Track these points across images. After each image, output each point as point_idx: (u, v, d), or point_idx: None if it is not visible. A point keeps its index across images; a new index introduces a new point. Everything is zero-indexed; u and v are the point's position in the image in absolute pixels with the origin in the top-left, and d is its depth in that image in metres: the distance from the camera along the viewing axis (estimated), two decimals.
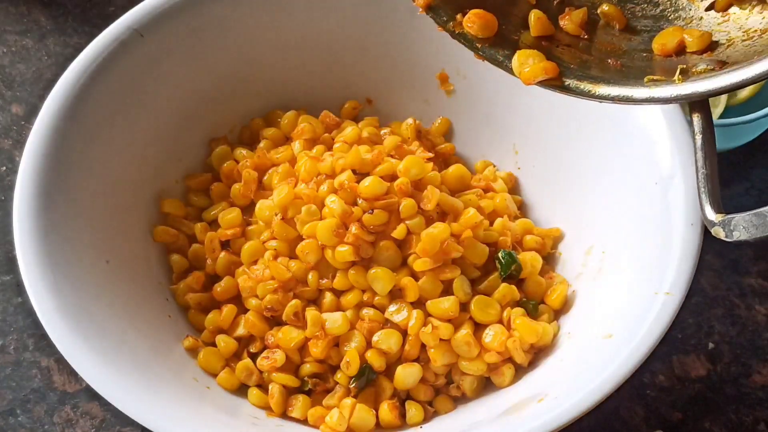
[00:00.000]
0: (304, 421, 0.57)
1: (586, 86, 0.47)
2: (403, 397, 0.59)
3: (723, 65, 0.43)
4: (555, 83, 0.48)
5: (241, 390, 0.59)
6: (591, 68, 0.48)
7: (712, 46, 0.46)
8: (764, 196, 0.74)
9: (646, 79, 0.45)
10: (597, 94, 0.46)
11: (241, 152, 0.67)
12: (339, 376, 0.58)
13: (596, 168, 0.63)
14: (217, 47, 0.66)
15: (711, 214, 0.45)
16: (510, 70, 0.49)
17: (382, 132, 0.67)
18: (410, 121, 0.68)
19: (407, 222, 0.58)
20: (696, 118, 0.46)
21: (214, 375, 0.59)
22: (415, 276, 0.58)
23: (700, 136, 0.46)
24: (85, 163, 0.59)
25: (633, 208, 0.59)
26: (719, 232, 0.44)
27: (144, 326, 0.58)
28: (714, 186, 0.46)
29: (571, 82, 0.47)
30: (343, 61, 0.70)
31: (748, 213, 0.43)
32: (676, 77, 0.44)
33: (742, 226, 0.43)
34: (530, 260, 0.61)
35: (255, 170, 0.64)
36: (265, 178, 0.64)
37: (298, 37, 0.68)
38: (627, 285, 0.56)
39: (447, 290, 0.58)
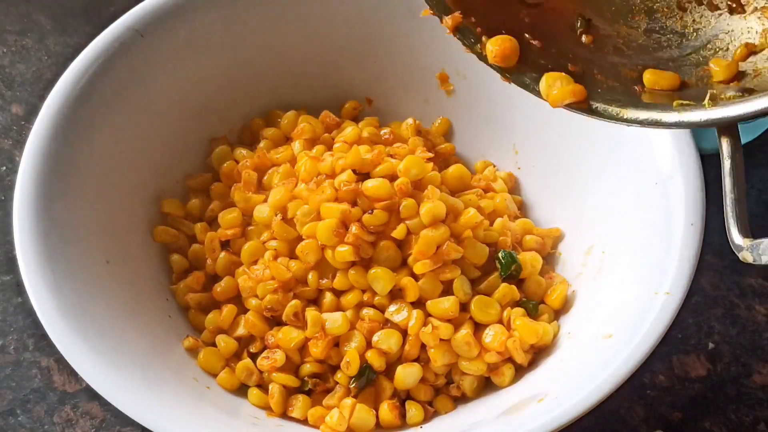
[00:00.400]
0: (304, 421, 0.57)
1: (614, 109, 0.47)
2: (403, 397, 0.59)
3: (751, 92, 0.43)
4: (582, 106, 0.48)
5: (241, 390, 0.59)
6: (618, 92, 0.48)
7: (738, 76, 0.46)
8: (764, 196, 0.74)
9: (675, 104, 0.45)
10: (625, 117, 0.46)
11: (241, 152, 0.67)
12: (339, 376, 0.58)
13: (596, 168, 0.63)
14: (217, 47, 0.66)
15: (738, 239, 0.44)
16: (537, 94, 0.49)
17: (382, 132, 0.67)
18: (410, 121, 0.68)
19: (407, 222, 0.58)
20: (725, 143, 0.46)
21: (214, 375, 0.59)
22: (415, 276, 0.58)
23: (729, 160, 0.46)
24: (85, 163, 0.59)
25: (633, 208, 0.59)
26: (747, 257, 0.44)
27: (144, 326, 0.58)
28: (742, 211, 0.45)
29: (598, 105, 0.47)
30: (343, 61, 0.70)
31: None
32: (705, 102, 0.44)
33: None
34: (530, 260, 0.61)
35: (255, 170, 0.64)
36: (265, 178, 0.64)
37: (298, 37, 0.68)
38: (627, 285, 0.56)
39: (447, 290, 0.58)
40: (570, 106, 0.48)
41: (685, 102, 0.45)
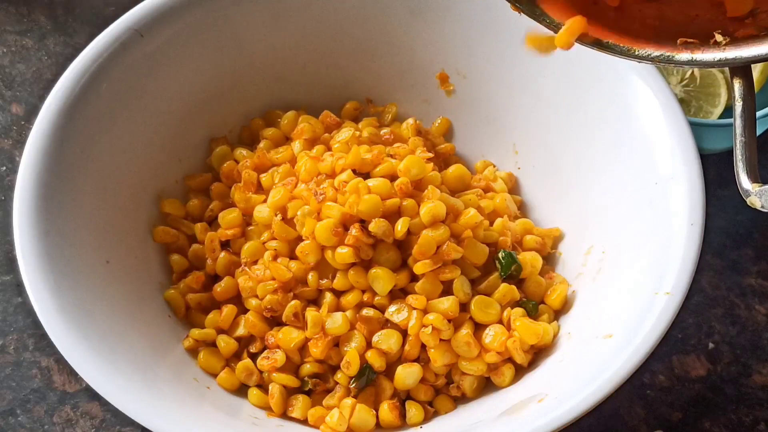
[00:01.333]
0: (304, 422, 0.57)
1: (625, 45, 0.46)
2: (403, 397, 0.59)
3: (765, 31, 0.43)
4: (591, 40, 0.47)
5: (241, 390, 0.59)
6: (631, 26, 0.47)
7: (753, 12, 0.45)
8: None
9: (678, 41, 0.45)
10: (637, 53, 0.46)
11: (241, 152, 0.67)
12: (339, 376, 0.58)
13: (596, 168, 0.63)
14: (217, 47, 0.66)
15: (747, 183, 0.44)
16: (547, 25, 0.48)
17: (382, 132, 0.67)
18: (410, 121, 0.68)
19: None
20: (737, 84, 0.45)
21: (214, 375, 0.59)
22: (416, 276, 0.58)
23: (741, 102, 0.45)
24: (85, 163, 0.59)
25: (633, 208, 0.59)
26: (755, 202, 0.43)
27: (144, 326, 0.58)
28: (752, 155, 0.45)
29: (609, 40, 0.47)
30: (343, 61, 0.70)
31: None
32: (721, 39, 0.43)
33: None
34: (530, 260, 0.61)
35: (255, 170, 0.64)
36: (265, 178, 0.64)
37: (298, 37, 0.68)
38: (627, 285, 0.56)
39: (447, 290, 0.58)
40: (582, 42, 0.47)
41: (689, 40, 0.44)
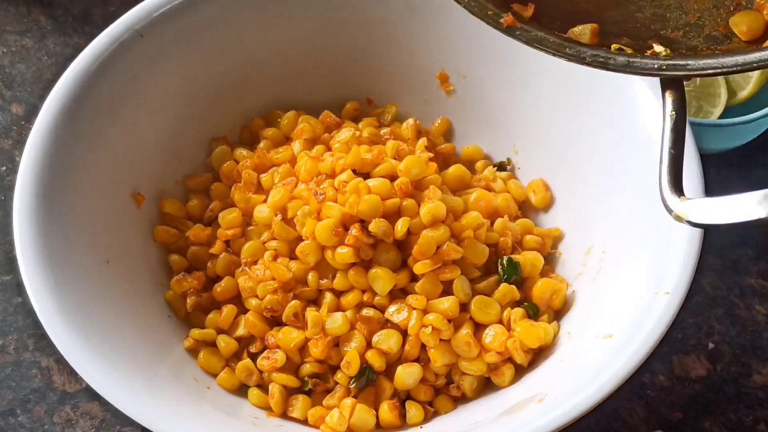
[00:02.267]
0: (304, 421, 0.57)
1: (555, 40, 0.47)
2: (403, 397, 0.59)
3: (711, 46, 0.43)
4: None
5: (241, 390, 0.59)
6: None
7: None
8: None
9: (613, 47, 0.45)
10: (567, 51, 0.46)
11: (241, 152, 0.67)
12: (339, 376, 0.58)
13: (596, 168, 0.63)
14: (217, 47, 0.66)
15: (672, 198, 0.43)
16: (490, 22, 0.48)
17: (382, 132, 0.67)
18: (410, 121, 0.68)
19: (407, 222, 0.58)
20: (669, 97, 0.45)
21: (214, 375, 0.59)
22: (416, 276, 0.58)
23: (674, 114, 0.45)
24: (85, 163, 0.59)
25: (633, 208, 0.59)
26: (682, 216, 0.42)
27: (144, 326, 0.58)
28: (679, 169, 0.44)
29: (540, 33, 0.47)
30: (343, 61, 0.70)
31: (713, 198, 0.42)
32: (661, 50, 0.44)
33: (706, 211, 0.42)
34: (531, 260, 0.61)
35: (255, 170, 0.64)
36: (265, 178, 0.64)
37: (298, 37, 0.68)
38: (627, 285, 0.56)
39: (447, 290, 0.58)
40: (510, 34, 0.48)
41: (624, 47, 0.44)
